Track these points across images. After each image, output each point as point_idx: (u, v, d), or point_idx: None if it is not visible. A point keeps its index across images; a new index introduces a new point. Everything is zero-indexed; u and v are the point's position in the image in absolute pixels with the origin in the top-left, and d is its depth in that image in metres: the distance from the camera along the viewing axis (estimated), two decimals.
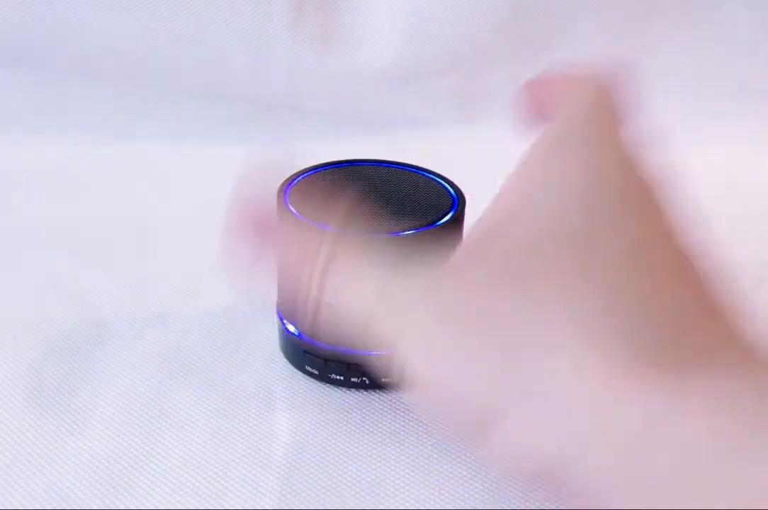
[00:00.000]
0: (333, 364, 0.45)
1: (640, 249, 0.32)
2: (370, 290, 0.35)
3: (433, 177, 0.46)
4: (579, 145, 0.34)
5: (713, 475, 0.26)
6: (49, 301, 0.53)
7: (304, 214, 0.42)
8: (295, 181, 0.45)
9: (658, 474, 0.27)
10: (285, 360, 0.48)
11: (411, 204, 0.43)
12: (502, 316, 0.31)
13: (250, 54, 0.75)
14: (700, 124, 0.79)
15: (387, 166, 0.47)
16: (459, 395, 0.32)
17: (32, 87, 0.75)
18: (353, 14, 0.75)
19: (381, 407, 0.45)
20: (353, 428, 0.44)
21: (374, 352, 0.44)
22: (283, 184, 0.45)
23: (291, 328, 0.46)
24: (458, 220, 0.43)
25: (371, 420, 0.44)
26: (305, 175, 0.46)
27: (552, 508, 0.40)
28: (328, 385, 0.46)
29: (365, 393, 0.46)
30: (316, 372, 0.46)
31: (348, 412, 0.45)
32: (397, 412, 0.45)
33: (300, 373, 0.47)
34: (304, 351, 0.46)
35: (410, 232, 0.41)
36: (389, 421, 0.44)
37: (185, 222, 0.65)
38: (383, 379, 0.45)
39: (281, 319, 0.47)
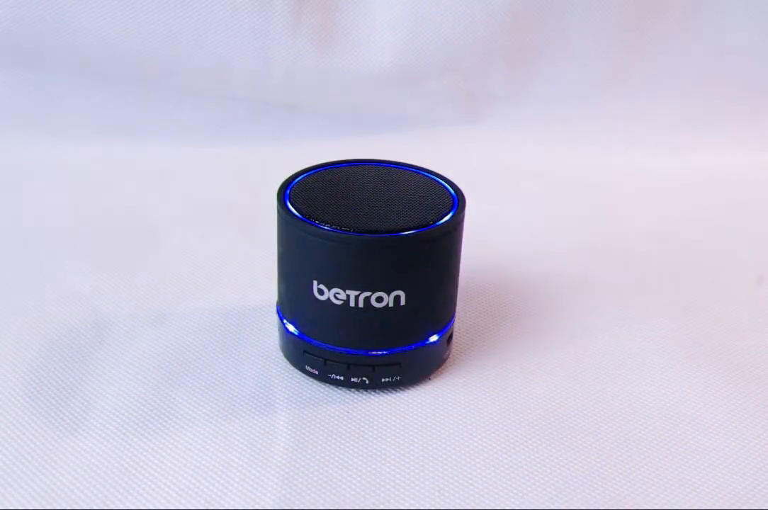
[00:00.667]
0: (333, 364, 0.45)
1: None
2: None
3: (433, 177, 0.46)
4: None
5: None
6: (49, 301, 0.53)
7: (303, 213, 0.42)
8: (295, 182, 0.45)
9: None
10: (285, 360, 0.48)
11: (411, 204, 0.43)
12: None
13: (250, 54, 0.75)
14: (699, 124, 0.79)
15: (387, 166, 0.47)
16: None
17: (32, 87, 0.75)
18: (353, 14, 0.75)
19: (381, 407, 0.45)
20: (353, 428, 0.44)
21: (374, 352, 0.44)
22: (283, 184, 0.45)
23: (291, 328, 0.46)
24: (458, 220, 0.43)
25: (371, 420, 0.44)
26: (305, 175, 0.46)
27: (553, 507, 0.40)
28: (328, 385, 0.46)
29: (365, 393, 0.46)
30: (316, 372, 0.46)
31: (348, 412, 0.45)
32: (397, 412, 0.45)
33: (300, 373, 0.47)
34: (304, 351, 0.46)
35: (411, 231, 0.41)
36: (389, 421, 0.44)
37: (185, 222, 0.65)
38: (383, 379, 0.45)
39: (281, 319, 0.47)
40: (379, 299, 0.42)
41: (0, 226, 0.62)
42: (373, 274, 0.42)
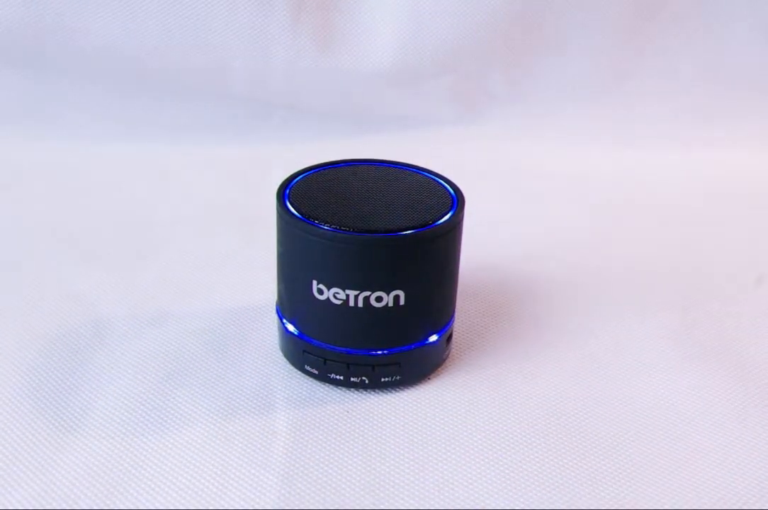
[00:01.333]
0: (333, 363, 0.45)
1: None
2: None
3: (433, 177, 0.46)
4: None
5: None
6: (49, 300, 0.53)
7: (303, 213, 0.42)
8: (294, 182, 0.45)
9: None
10: (284, 360, 0.48)
11: (410, 204, 0.43)
12: None
13: (250, 53, 0.75)
14: (701, 122, 0.79)
15: (386, 166, 0.47)
16: None
17: (30, 86, 0.75)
18: (353, 14, 0.75)
19: (381, 407, 0.45)
20: (353, 428, 0.44)
21: (373, 352, 0.44)
22: (282, 184, 0.45)
23: (290, 327, 0.46)
24: (458, 220, 0.43)
25: (371, 420, 0.44)
26: (304, 175, 0.45)
27: (552, 507, 0.40)
28: (327, 384, 0.46)
29: (365, 393, 0.46)
30: (316, 372, 0.46)
31: (347, 411, 0.45)
32: (397, 412, 0.45)
33: (299, 372, 0.47)
34: (304, 350, 0.45)
35: (409, 232, 0.41)
36: (389, 421, 0.44)
37: (185, 222, 0.65)
38: (383, 379, 0.45)
39: (281, 319, 0.47)
40: (379, 299, 0.42)
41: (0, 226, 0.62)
42: (372, 274, 0.42)
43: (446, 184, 0.45)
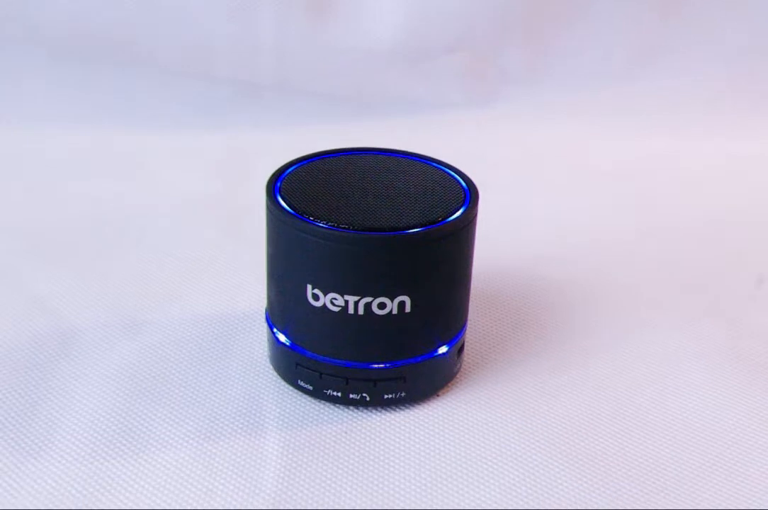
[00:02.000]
0: (329, 378, 0.45)
1: None
2: None
3: (442, 167, 0.46)
4: None
5: None
6: (7, 307, 0.53)
7: (296, 209, 0.42)
8: (286, 173, 0.45)
9: None
10: (275, 374, 0.48)
11: (417, 198, 0.43)
12: None
13: (234, 28, 0.75)
14: (737, 108, 0.79)
15: (390, 156, 0.47)
16: None
17: None
18: None
19: (383, 428, 0.45)
20: (352, 451, 0.44)
21: (375, 365, 0.45)
22: (272, 175, 0.45)
23: (282, 337, 0.46)
24: (471, 217, 0.43)
25: (372, 442, 0.44)
26: (296, 166, 0.46)
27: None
28: (323, 402, 0.47)
29: (366, 411, 0.46)
30: (310, 387, 0.46)
31: (346, 432, 0.45)
32: (402, 433, 0.45)
33: (292, 388, 0.47)
34: (297, 363, 0.46)
35: (416, 230, 0.41)
36: (392, 443, 0.44)
37: (162, 218, 0.65)
38: (386, 396, 0.46)
39: (271, 328, 0.47)
40: (382, 305, 0.42)
41: None
42: (374, 278, 0.42)
43: (457, 176, 0.45)
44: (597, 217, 0.67)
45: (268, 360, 0.49)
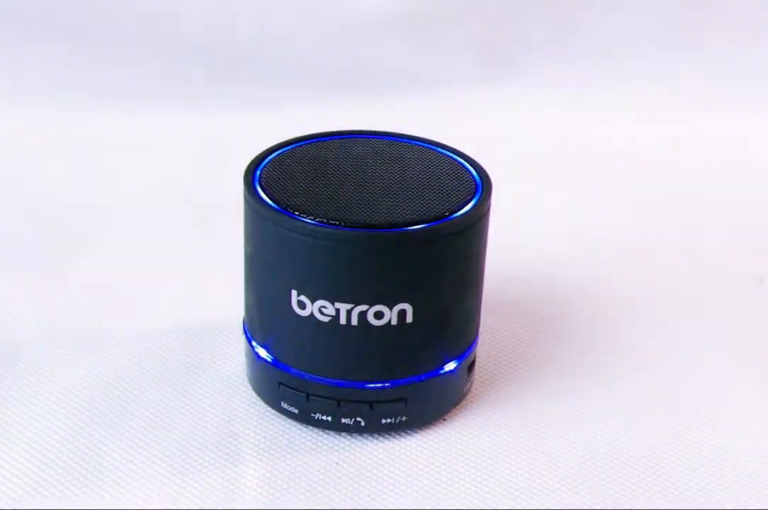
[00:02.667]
0: (318, 400, 0.45)
1: None
2: None
3: (450, 154, 0.46)
4: None
5: None
6: None
7: (278, 202, 0.42)
8: (267, 161, 0.45)
9: None
10: (254, 395, 0.48)
11: (420, 190, 0.43)
12: None
13: None
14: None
15: (388, 140, 0.47)
16: None
17: None
18: None
19: (381, 457, 0.45)
20: (344, 485, 0.44)
21: (371, 385, 0.44)
22: (251, 163, 0.44)
23: (262, 353, 0.46)
24: (482, 212, 0.43)
25: (368, 474, 0.44)
26: (279, 152, 0.45)
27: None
28: (311, 428, 0.46)
29: (360, 439, 0.46)
30: (296, 411, 0.46)
31: (337, 464, 0.45)
32: (402, 463, 0.45)
33: (274, 412, 0.47)
34: (280, 383, 0.45)
35: (420, 226, 0.41)
36: (391, 475, 0.44)
37: (125, 214, 0.65)
38: (383, 420, 0.45)
39: (249, 341, 0.47)
40: (379, 315, 0.42)
41: None
42: (370, 282, 0.42)
43: (467, 164, 0.45)
44: (628, 211, 0.67)
45: (246, 379, 0.49)
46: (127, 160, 0.72)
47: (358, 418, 0.45)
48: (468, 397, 0.48)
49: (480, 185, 0.44)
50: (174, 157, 0.72)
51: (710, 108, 0.79)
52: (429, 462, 0.45)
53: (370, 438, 0.46)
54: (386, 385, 0.44)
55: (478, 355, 0.50)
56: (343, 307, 0.42)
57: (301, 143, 0.46)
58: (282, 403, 0.46)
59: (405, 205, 0.42)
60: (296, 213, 0.41)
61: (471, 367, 0.48)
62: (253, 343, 0.46)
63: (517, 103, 0.79)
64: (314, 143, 0.46)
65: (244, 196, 0.43)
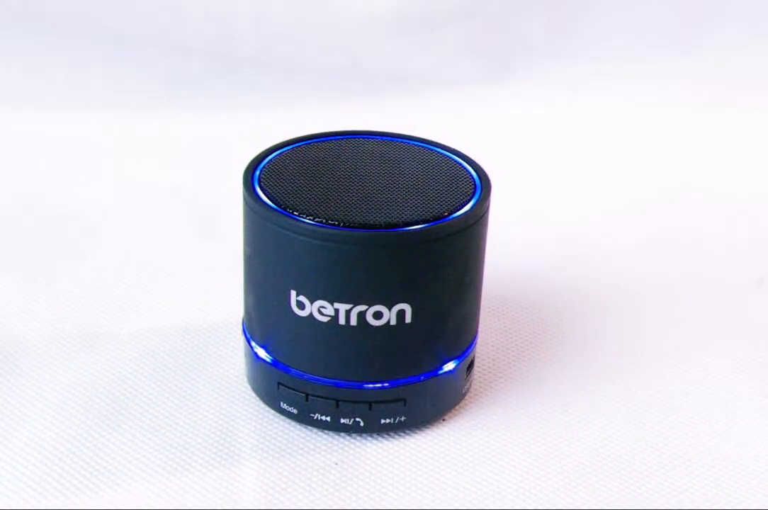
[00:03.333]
0: (317, 400, 0.45)
1: None
2: None
3: (449, 154, 0.46)
4: None
5: None
6: None
7: (277, 202, 0.42)
8: (266, 161, 0.45)
9: None
10: (253, 395, 0.48)
11: (419, 190, 0.43)
12: None
13: None
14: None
15: (387, 140, 0.47)
16: None
17: None
18: None
19: (380, 458, 0.45)
20: (343, 485, 0.44)
21: (370, 385, 0.44)
22: (250, 164, 0.45)
23: (262, 353, 0.46)
24: (482, 212, 0.43)
25: (367, 475, 0.44)
26: (278, 152, 0.45)
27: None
28: (310, 428, 0.46)
29: (359, 439, 0.46)
30: (295, 411, 0.46)
31: (337, 464, 0.45)
32: (402, 464, 0.45)
33: (273, 412, 0.47)
34: (279, 383, 0.45)
35: (419, 226, 0.41)
36: (390, 476, 0.44)
37: (122, 214, 0.65)
38: (383, 421, 0.45)
39: (248, 341, 0.47)
40: (378, 315, 0.42)
41: None
42: (369, 282, 0.42)
43: (466, 164, 0.45)
44: (631, 211, 0.67)
45: (245, 379, 0.49)
46: (126, 159, 0.72)
47: (357, 419, 0.45)
48: (467, 397, 0.48)
49: (479, 185, 0.44)
50: (174, 157, 0.72)
51: (710, 108, 0.79)
52: (428, 462, 0.45)
53: (369, 438, 0.46)
54: (385, 385, 0.44)
55: (477, 355, 0.50)
56: (342, 308, 0.42)
57: (301, 143, 0.46)
58: (281, 403, 0.46)
59: (404, 205, 0.42)
60: (295, 213, 0.41)
61: (470, 367, 0.48)
62: (252, 344, 0.46)
63: (517, 103, 0.79)
64: (313, 143, 0.46)
65: (244, 196, 0.43)
